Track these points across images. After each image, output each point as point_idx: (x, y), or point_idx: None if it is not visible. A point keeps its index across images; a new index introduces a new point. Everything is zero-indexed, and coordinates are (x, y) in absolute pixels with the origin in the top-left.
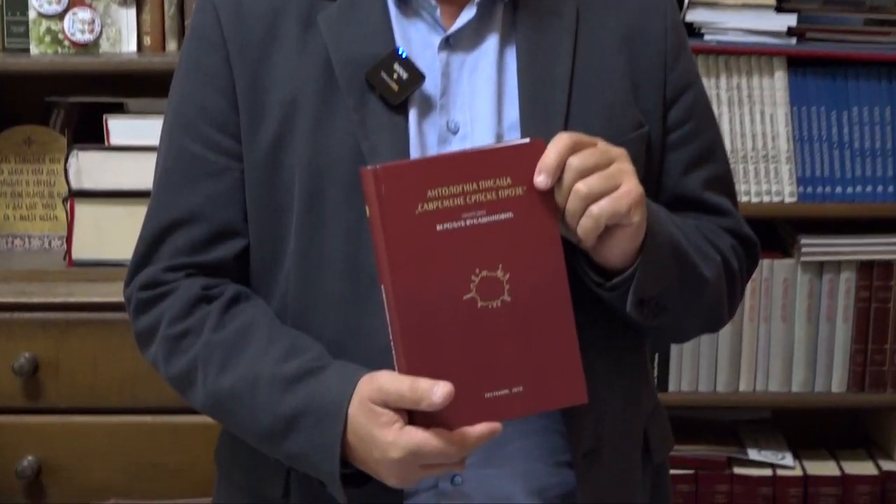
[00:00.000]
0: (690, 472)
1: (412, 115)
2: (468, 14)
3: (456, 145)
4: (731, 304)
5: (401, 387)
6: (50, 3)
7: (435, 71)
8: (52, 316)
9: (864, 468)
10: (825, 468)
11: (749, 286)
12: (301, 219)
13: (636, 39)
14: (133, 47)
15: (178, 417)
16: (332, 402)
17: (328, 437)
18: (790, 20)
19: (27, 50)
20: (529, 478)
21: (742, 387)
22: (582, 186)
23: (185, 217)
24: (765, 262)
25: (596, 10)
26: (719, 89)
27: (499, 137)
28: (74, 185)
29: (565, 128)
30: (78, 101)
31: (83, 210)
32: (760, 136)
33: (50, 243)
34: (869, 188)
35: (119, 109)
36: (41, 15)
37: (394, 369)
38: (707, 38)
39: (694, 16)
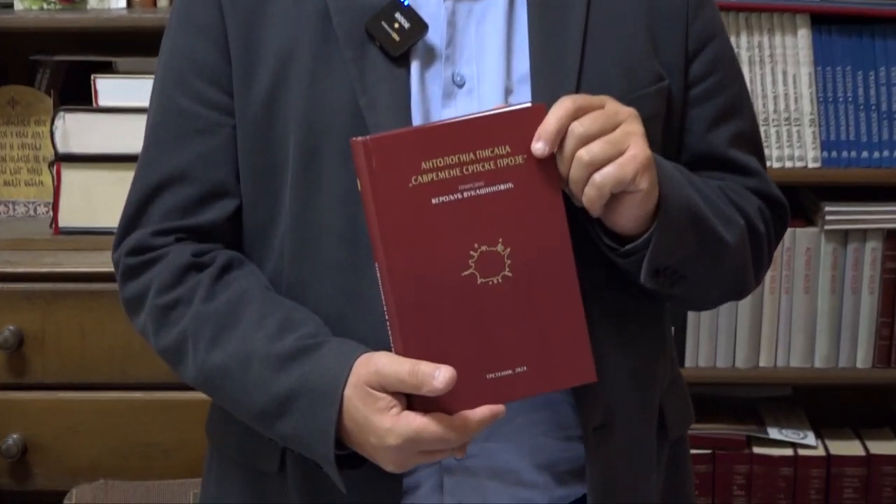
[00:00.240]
0: (708, 451)
1: (414, 67)
2: None
3: (461, 100)
4: (758, 270)
5: (400, 370)
6: None
7: (440, 20)
8: (37, 287)
9: (890, 448)
10: (849, 448)
11: None
12: (296, 178)
13: None
14: (122, 3)
15: (170, 394)
16: (328, 384)
17: (322, 420)
18: None
19: (11, 5)
20: (537, 452)
21: (762, 362)
22: (584, 153)
23: (174, 176)
24: (787, 231)
25: None
26: (739, 48)
27: (507, 92)
28: (61, 148)
29: (578, 81)
30: (64, 60)
31: (70, 175)
32: (782, 98)
33: (35, 210)
34: None
35: (108, 69)
36: None
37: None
38: None
39: None
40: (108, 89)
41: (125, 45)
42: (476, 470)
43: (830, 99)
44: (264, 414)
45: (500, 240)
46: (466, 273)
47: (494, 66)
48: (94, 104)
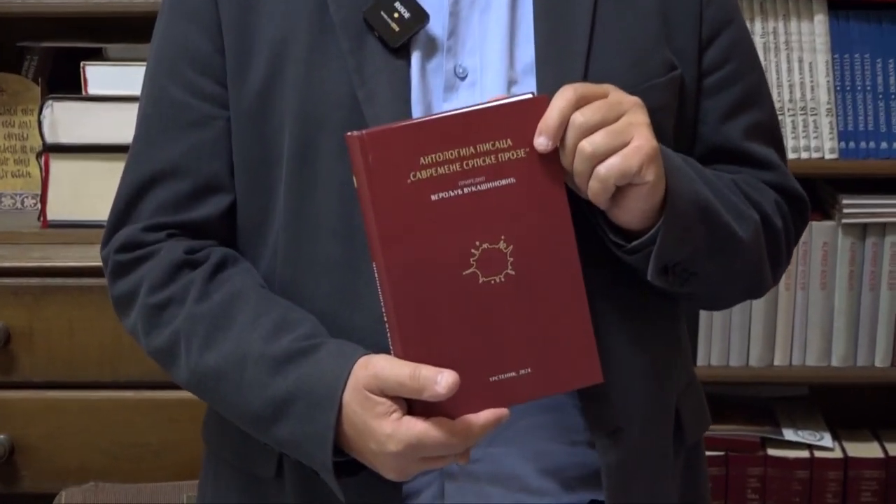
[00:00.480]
0: (720, 453)
1: (415, 58)
2: None
3: (464, 92)
4: (776, 268)
5: (400, 374)
6: None
7: (441, 10)
8: (25, 282)
9: None
10: (867, 450)
11: None
12: (291, 173)
13: None
14: None
15: (162, 393)
16: (326, 388)
17: (320, 425)
18: None
19: None
20: (543, 457)
21: (777, 361)
22: (587, 145)
23: (166, 170)
24: None
25: None
26: (754, 34)
27: (511, 83)
28: (49, 138)
29: (586, 71)
30: (53, 47)
31: (59, 166)
32: (798, 87)
33: (23, 202)
34: None
35: (98, 55)
36: None
37: (389, 345)
38: None
39: None
40: (99, 77)
41: (116, 30)
42: (479, 475)
43: (848, 87)
44: (259, 418)
45: (503, 237)
46: (468, 272)
47: (498, 57)
48: (83, 92)
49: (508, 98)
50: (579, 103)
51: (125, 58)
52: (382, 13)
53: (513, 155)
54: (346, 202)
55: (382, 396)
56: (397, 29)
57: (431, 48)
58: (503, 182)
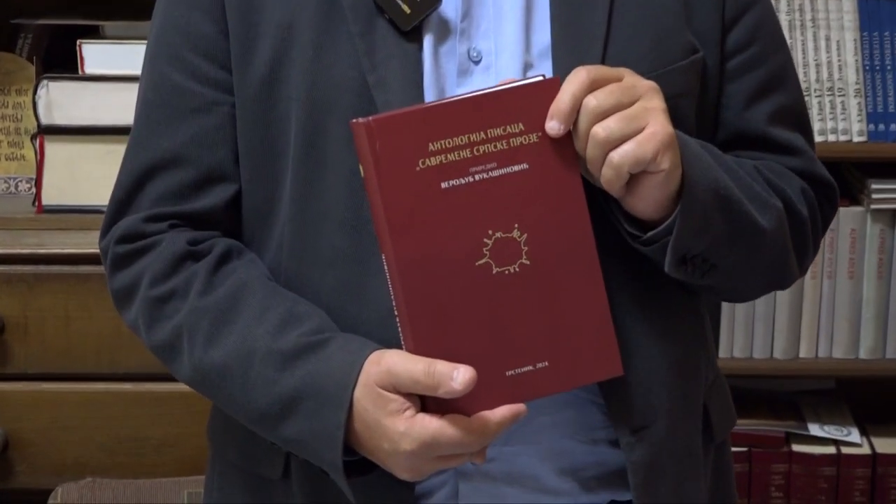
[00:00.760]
0: (744, 449)
1: (427, 42)
2: None
3: (478, 77)
4: (802, 258)
5: (414, 370)
6: None
7: None
8: (19, 269)
9: None
10: None
11: None
12: (298, 162)
13: None
14: None
15: (162, 385)
16: (335, 385)
17: (330, 424)
18: None
19: None
20: (561, 456)
21: (802, 353)
22: (600, 130)
23: (168, 158)
24: None
25: None
26: (779, 12)
27: (527, 67)
28: (44, 119)
29: (604, 55)
30: (48, 24)
31: (54, 148)
32: (825, 67)
33: (17, 186)
34: None
35: (95, 33)
36: None
37: (400, 340)
38: None
39: None
40: (96, 55)
41: (114, 7)
42: (494, 475)
43: (877, 67)
44: (266, 416)
45: (516, 225)
46: (481, 262)
47: (513, 39)
48: (80, 72)
49: (520, 81)
50: (593, 86)
51: (124, 36)
52: None
53: (525, 140)
54: (355, 192)
55: (395, 393)
56: (409, 11)
57: (444, 31)
58: (516, 168)
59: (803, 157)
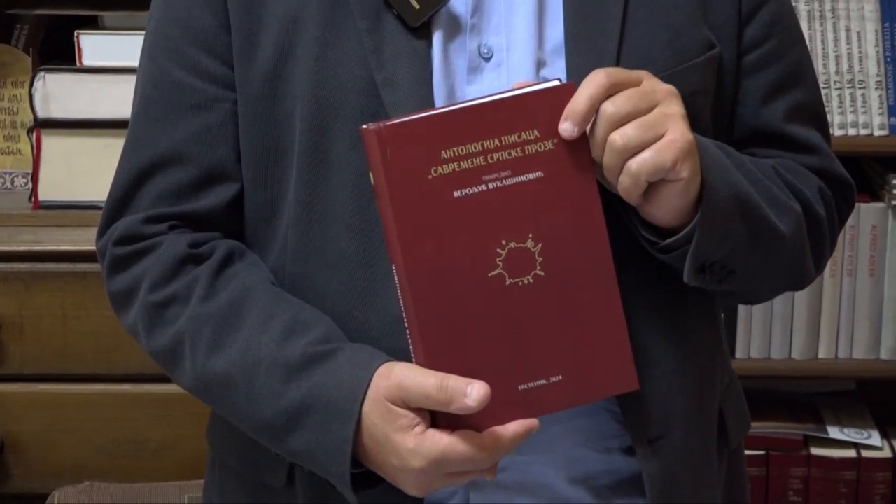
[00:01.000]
0: (761, 452)
1: (436, 38)
2: None
3: (489, 74)
4: (819, 259)
5: (425, 385)
6: None
7: None
8: (14, 267)
9: None
10: None
11: None
12: (303, 162)
13: None
14: None
15: (162, 387)
16: (344, 398)
17: (338, 438)
18: None
19: None
20: (574, 465)
21: (822, 353)
22: (617, 137)
23: (167, 157)
24: None
25: None
26: (798, 2)
27: (540, 64)
28: (41, 112)
29: (619, 52)
30: (45, 15)
31: (51, 142)
32: (845, 58)
33: (13, 181)
34: None
35: (93, 24)
36: None
37: (409, 348)
38: None
39: None
40: (94, 47)
41: None
42: (506, 485)
43: None
44: (271, 428)
45: (531, 235)
46: (494, 273)
47: (525, 35)
48: (77, 63)
49: (534, 85)
50: (611, 90)
51: (122, 27)
52: None
53: (540, 147)
54: (362, 194)
55: (405, 408)
56: (417, 6)
57: (454, 27)
58: (530, 176)
59: (820, 154)
